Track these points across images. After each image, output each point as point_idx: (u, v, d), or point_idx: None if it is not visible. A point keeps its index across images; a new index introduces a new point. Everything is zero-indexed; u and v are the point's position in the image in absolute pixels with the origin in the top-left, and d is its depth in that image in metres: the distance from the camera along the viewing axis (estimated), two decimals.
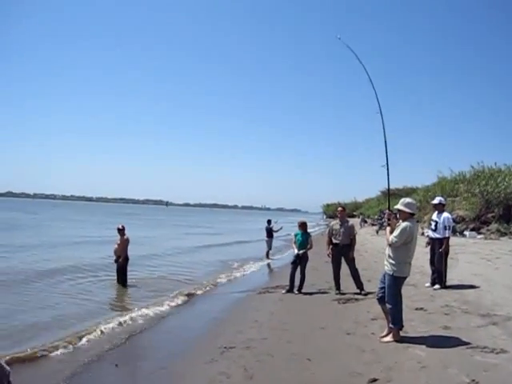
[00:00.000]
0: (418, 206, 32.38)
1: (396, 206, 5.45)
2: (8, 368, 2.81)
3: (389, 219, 5.75)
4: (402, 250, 5.29)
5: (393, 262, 5.32)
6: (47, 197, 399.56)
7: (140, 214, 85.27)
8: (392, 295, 5.35)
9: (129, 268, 10.89)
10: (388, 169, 6.39)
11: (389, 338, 5.38)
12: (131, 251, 10.99)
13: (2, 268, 12.46)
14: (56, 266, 13.17)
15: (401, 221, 5.39)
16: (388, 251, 5.43)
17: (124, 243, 10.67)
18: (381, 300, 5.55)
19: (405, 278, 5.44)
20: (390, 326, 5.41)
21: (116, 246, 10.80)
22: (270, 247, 17.81)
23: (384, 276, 5.52)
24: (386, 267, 5.43)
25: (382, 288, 5.55)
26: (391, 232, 5.40)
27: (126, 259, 10.67)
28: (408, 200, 5.47)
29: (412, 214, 5.37)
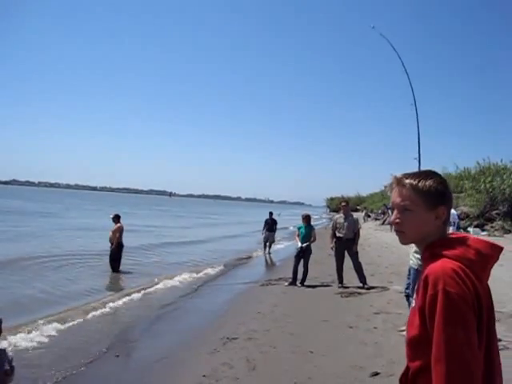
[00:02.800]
0: None
1: None
2: (11, 353, 2.84)
3: None
4: None
5: (419, 256, 5.20)
6: (52, 185, 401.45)
7: (152, 204, 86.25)
8: None
9: (129, 255, 11.10)
10: (420, 161, 6.26)
11: None
12: (144, 240, 11.21)
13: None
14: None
15: None
16: (414, 246, 5.33)
17: (117, 231, 10.81)
18: (408, 297, 5.42)
19: None
20: None
21: (110, 233, 10.96)
22: (273, 240, 17.48)
23: (409, 271, 5.43)
24: (411, 262, 5.35)
25: (408, 283, 5.47)
26: None
27: (120, 246, 10.87)
28: None
29: None
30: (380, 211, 42.08)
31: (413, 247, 5.38)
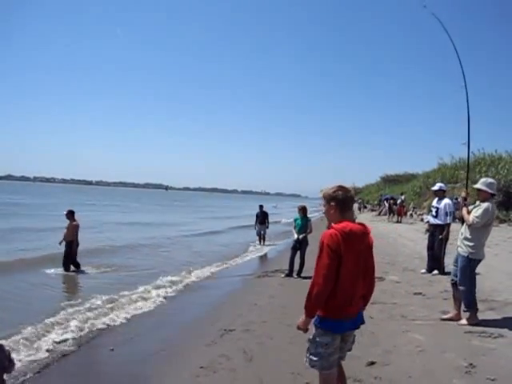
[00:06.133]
0: (418, 192, 32.45)
1: (476, 186, 5.26)
2: (8, 348, 2.83)
3: (465, 199, 5.61)
4: (482, 231, 5.12)
5: (470, 243, 5.13)
6: (47, 180, 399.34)
7: (158, 198, 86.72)
8: (466, 278, 5.17)
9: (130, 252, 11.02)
10: (469, 146, 6.18)
11: (463, 321, 5.24)
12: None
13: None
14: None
15: (478, 201, 5.20)
16: (465, 232, 5.23)
17: (74, 228, 10.42)
18: (456, 285, 5.38)
19: (480, 260, 5.23)
20: (464, 309, 5.26)
21: (65, 230, 10.49)
22: (264, 232, 17.49)
23: (457, 258, 5.36)
24: (459, 249, 5.26)
25: (456, 271, 5.38)
26: (468, 213, 5.20)
27: (76, 245, 10.47)
28: (490, 180, 5.29)
29: (493, 195, 5.21)
30: (376, 202, 42.20)
31: (462, 233, 5.28)
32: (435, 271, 8.58)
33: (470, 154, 6.56)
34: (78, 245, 10.51)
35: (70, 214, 10.59)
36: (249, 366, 4.38)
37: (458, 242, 5.36)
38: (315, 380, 3.32)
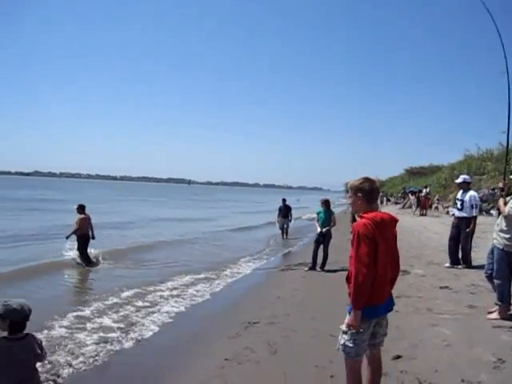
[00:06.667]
0: (443, 184, 31.84)
1: None
2: (40, 337, 2.92)
3: (502, 189, 5.50)
4: None
5: (505, 235, 4.99)
6: (73, 176, 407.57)
7: (184, 193, 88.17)
8: (501, 270, 5.06)
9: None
10: (508, 135, 6.01)
11: (495, 315, 5.15)
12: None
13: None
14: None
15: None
16: (501, 224, 5.10)
17: (80, 221, 10.38)
18: (490, 278, 5.29)
19: None
20: (497, 302, 5.17)
21: (77, 225, 10.40)
22: (287, 226, 17.48)
23: (492, 250, 5.23)
24: (495, 241, 5.13)
25: (491, 264, 5.26)
26: (505, 204, 5.06)
27: (88, 238, 10.50)
28: None
29: None
30: (400, 195, 41.67)
31: (498, 225, 5.16)
32: (460, 265, 8.42)
33: (498, 145, 6.40)
34: (89, 238, 10.53)
35: (80, 209, 10.61)
36: (273, 359, 4.41)
37: (494, 234, 5.21)
38: (340, 373, 3.33)
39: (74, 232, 10.35)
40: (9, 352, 2.67)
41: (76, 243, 10.47)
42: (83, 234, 10.43)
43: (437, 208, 27.58)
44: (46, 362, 4.16)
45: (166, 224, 22.84)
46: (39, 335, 4.34)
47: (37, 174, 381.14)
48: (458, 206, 8.54)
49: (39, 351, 2.81)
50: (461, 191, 8.64)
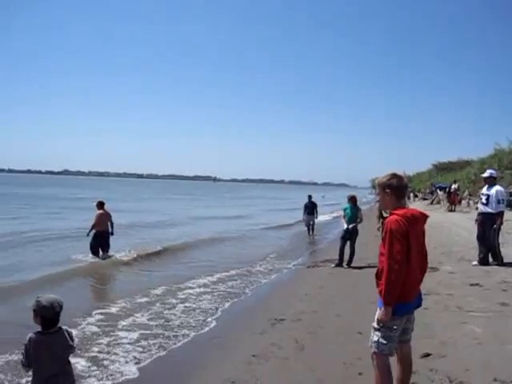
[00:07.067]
0: (473, 179, 31.06)
1: None
2: (70, 330, 3.01)
3: None
4: None
5: None
6: (101, 174, 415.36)
7: (215, 191, 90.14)
8: None
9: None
10: None
11: None
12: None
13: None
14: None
15: None
16: None
17: (98, 217, 10.62)
18: None
19: None
20: None
21: (96, 220, 10.66)
22: (314, 223, 17.33)
23: None
24: None
25: None
26: None
27: (107, 233, 10.75)
28: None
29: None
30: (428, 190, 40.85)
31: None
32: (491, 261, 8.20)
33: None
34: (109, 234, 10.79)
35: (100, 205, 10.83)
36: (300, 356, 4.42)
37: None
38: (368, 370, 3.32)
39: (93, 227, 10.62)
40: (45, 345, 2.76)
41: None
42: (103, 231, 10.66)
43: (468, 204, 26.91)
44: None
45: (205, 222, 22.88)
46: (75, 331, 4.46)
47: (66, 172, 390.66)
48: (483, 200, 8.27)
49: (71, 343, 2.89)
50: (486, 186, 8.38)
